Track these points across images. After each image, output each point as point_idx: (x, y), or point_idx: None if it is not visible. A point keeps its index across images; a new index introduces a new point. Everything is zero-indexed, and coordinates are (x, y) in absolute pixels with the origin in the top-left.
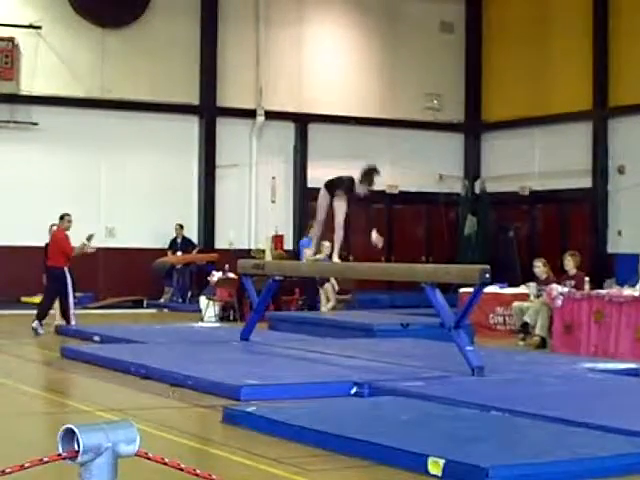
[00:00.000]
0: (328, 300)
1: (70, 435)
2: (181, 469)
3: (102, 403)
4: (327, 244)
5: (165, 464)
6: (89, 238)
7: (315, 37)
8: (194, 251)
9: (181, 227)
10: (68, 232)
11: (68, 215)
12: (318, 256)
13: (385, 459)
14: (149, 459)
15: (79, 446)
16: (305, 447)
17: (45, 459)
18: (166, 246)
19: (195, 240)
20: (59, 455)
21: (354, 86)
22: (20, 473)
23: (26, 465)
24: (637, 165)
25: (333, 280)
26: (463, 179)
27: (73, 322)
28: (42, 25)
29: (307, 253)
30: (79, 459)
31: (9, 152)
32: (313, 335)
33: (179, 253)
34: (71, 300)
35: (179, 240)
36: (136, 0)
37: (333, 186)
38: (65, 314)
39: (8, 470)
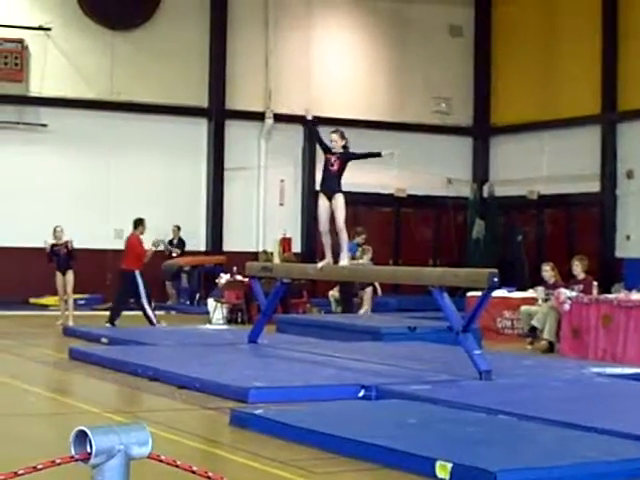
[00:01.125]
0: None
1: (82, 437)
2: (193, 472)
3: (110, 405)
4: (370, 248)
5: (177, 466)
6: (156, 244)
7: (324, 40)
8: (174, 253)
9: (178, 228)
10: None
11: (142, 220)
12: (360, 261)
13: (392, 462)
14: (161, 461)
15: (92, 448)
16: (312, 449)
17: (58, 461)
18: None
19: (203, 242)
20: (72, 457)
21: (363, 89)
22: (32, 475)
23: (39, 467)
24: None
25: (376, 284)
26: (471, 183)
27: (155, 321)
28: (52, 27)
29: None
30: (91, 461)
31: (18, 153)
32: (321, 338)
33: (174, 254)
34: (145, 301)
35: (175, 241)
36: (145, 3)
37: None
38: (145, 315)
39: (21, 472)
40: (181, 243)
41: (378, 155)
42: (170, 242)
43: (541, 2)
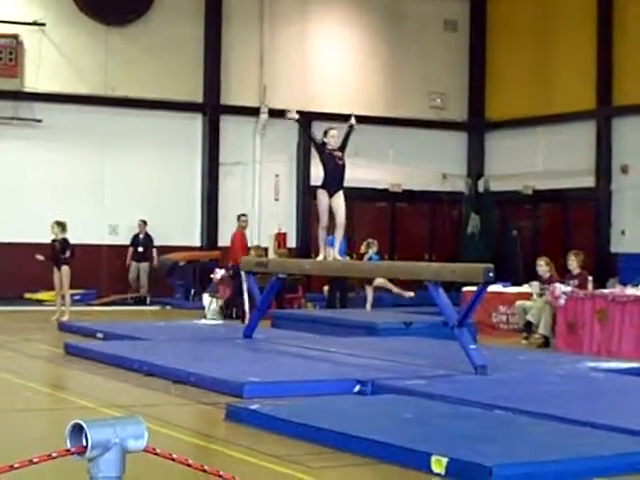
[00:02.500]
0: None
1: (78, 430)
2: (189, 465)
3: (105, 400)
4: (375, 241)
5: (173, 460)
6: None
7: (319, 35)
8: (154, 250)
9: (144, 223)
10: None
11: (244, 215)
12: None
13: (388, 457)
14: (157, 455)
15: (87, 441)
16: (308, 445)
17: (54, 454)
18: (175, 244)
19: (198, 238)
20: (67, 450)
21: (358, 84)
22: (28, 468)
23: (35, 460)
24: None
25: (381, 280)
26: (466, 178)
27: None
28: (46, 22)
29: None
30: (87, 454)
31: (12, 149)
32: (316, 333)
33: (140, 249)
34: (245, 298)
35: (141, 236)
36: None
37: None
38: (240, 311)
39: (17, 465)
40: (148, 238)
41: (351, 128)
42: (136, 237)
43: None
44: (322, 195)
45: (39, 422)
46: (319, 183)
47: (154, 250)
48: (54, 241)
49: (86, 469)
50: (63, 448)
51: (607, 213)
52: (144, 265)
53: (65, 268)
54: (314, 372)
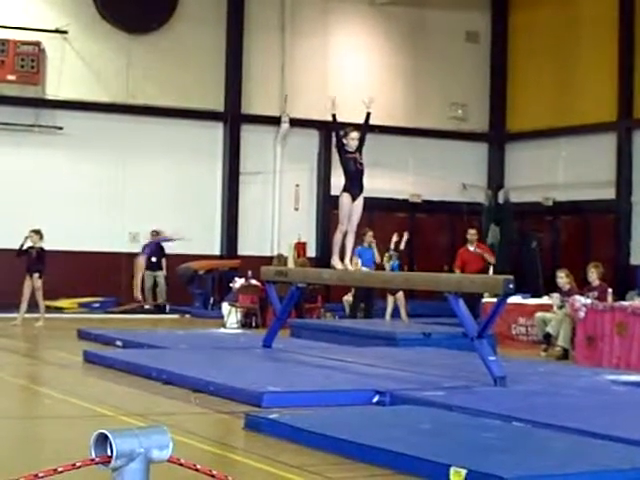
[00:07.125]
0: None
1: (103, 440)
2: (213, 476)
3: (124, 408)
4: (396, 253)
5: (197, 470)
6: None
7: (340, 45)
8: (163, 259)
9: (157, 233)
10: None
11: (470, 229)
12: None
13: (407, 468)
14: (181, 465)
15: (112, 451)
16: (327, 455)
17: (78, 464)
18: (195, 252)
19: (218, 246)
20: (92, 460)
21: (379, 95)
22: (52, 477)
23: (59, 469)
24: None
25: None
26: (486, 189)
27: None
28: (68, 30)
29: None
30: (112, 464)
31: (34, 156)
32: (335, 343)
33: (154, 259)
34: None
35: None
36: (162, 6)
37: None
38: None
39: (41, 474)
40: (159, 247)
41: (368, 117)
42: (147, 246)
43: (558, 9)
44: (347, 198)
45: (59, 429)
46: (339, 193)
47: (163, 260)
48: (31, 248)
49: (110, 479)
50: (88, 457)
51: (627, 225)
52: (160, 274)
53: (40, 277)
54: (333, 382)
